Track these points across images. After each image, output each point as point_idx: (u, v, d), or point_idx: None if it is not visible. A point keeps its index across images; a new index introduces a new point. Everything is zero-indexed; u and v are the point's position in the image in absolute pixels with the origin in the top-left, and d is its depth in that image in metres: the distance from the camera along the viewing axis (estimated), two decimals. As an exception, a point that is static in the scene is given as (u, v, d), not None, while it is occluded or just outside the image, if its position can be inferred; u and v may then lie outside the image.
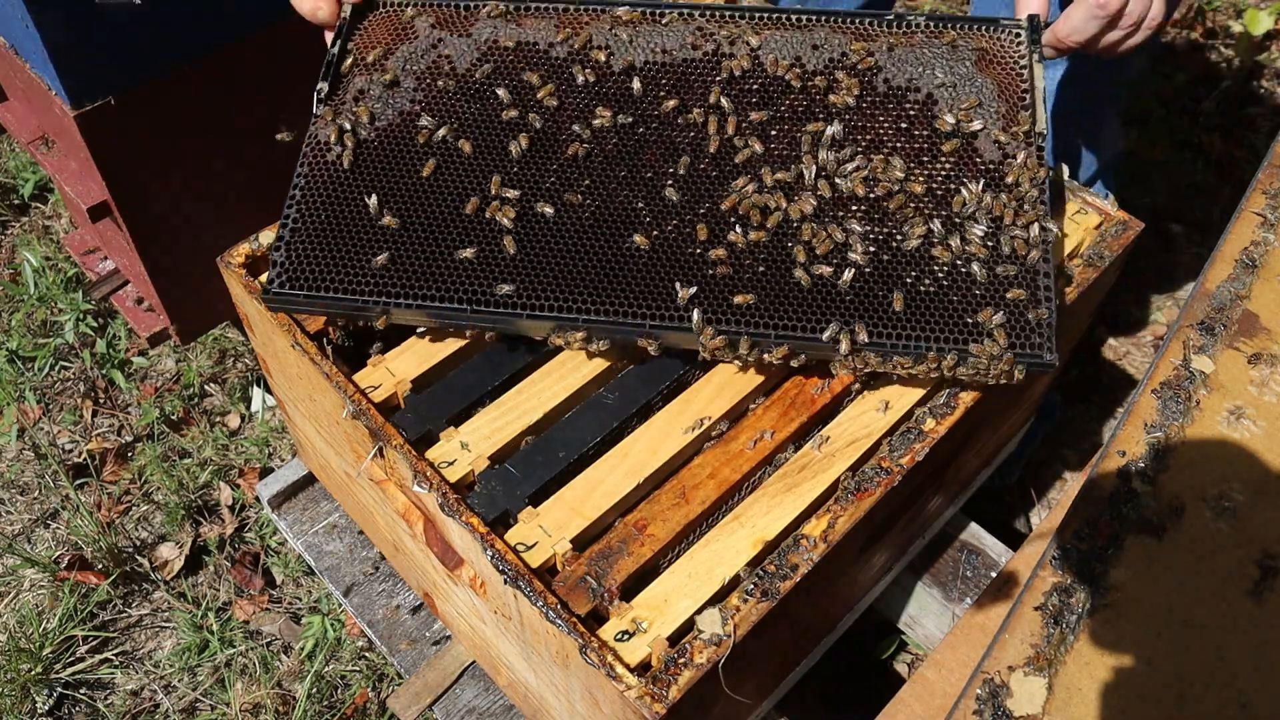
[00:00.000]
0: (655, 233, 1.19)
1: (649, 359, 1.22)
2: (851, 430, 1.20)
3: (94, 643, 2.15)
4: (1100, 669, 0.94)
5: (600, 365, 1.26)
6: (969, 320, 1.13)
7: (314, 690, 2.06)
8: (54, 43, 1.59)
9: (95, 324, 2.67)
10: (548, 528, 1.11)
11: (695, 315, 1.13)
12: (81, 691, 2.09)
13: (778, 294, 1.15)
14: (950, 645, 1.51)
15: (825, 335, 1.13)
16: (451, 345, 1.29)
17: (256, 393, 2.56)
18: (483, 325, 1.19)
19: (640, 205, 1.21)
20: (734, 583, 1.08)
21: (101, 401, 2.57)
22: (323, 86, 1.30)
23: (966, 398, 1.24)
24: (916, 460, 1.17)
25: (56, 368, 2.62)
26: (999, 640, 0.96)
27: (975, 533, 1.80)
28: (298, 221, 1.22)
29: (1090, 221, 1.42)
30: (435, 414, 1.22)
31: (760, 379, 1.25)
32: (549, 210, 1.20)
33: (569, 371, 1.26)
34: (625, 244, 1.18)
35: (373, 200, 1.20)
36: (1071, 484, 2.43)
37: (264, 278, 1.21)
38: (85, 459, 2.42)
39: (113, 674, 2.12)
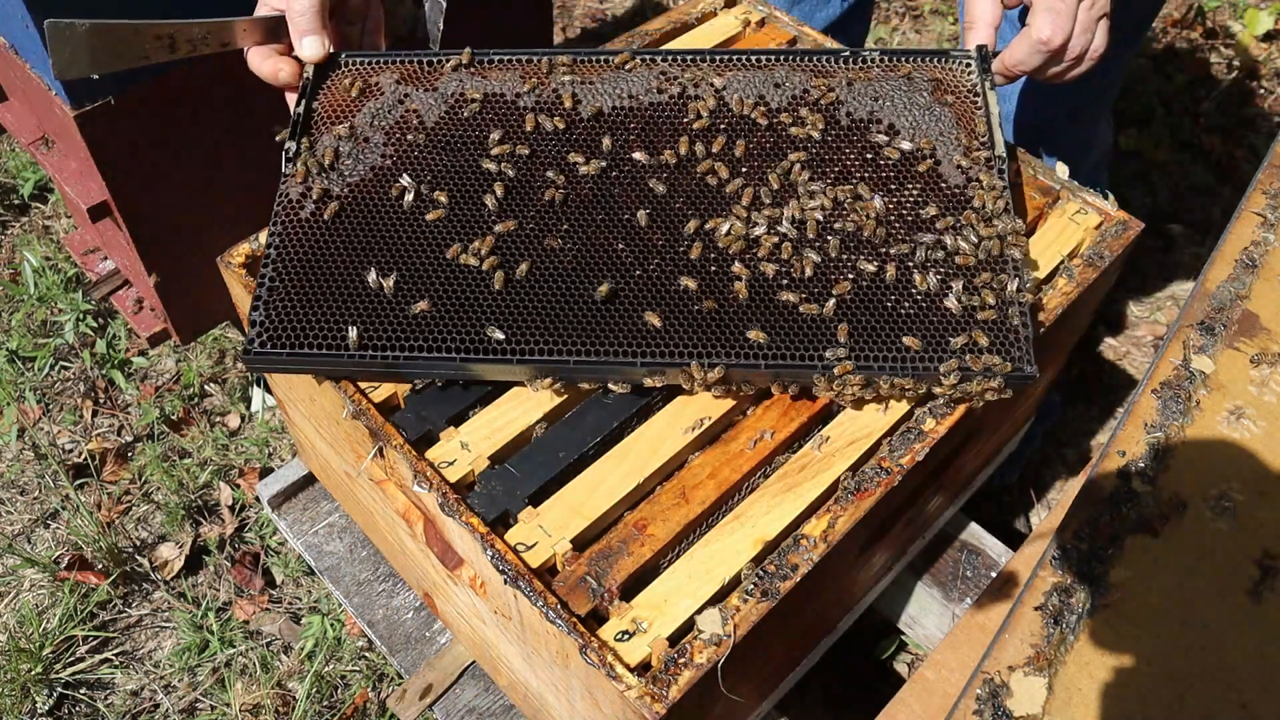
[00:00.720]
0: (638, 272, 1.20)
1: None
2: (851, 430, 1.20)
3: (94, 643, 2.15)
4: (1100, 669, 0.94)
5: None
6: (951, 339, 1.16)
7: (314, 690, 2.06)
8: (54, 43, 1.59)
9: (95, 324, 2.67)
10: (548, 528, 1.11)
11: (693, 366, 1.14)
12: (81, 691, 2.09)
13: (767, 326, 1.17)
14: (950, 645, 1.51)
15: (818, 361, 1.15)
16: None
17: (256, 393, 2.56)
18: (467, 377, 1.20)
19: (620, 246, 1.22)
20: (734, 583, 1.08)
21: (101, 401, 2.57)
22: (290, 145, 1.29)
23: (966, 398, 1.24)
24: (916, 460, 1.17)
25: (56, 368, 2.62)
26: (999, 640, 0.97)
27: (975, 533, 1.80)
28: (274, 280, 1.21)
29: (1090, 221, 1.42)
30: (435, 414, 1.22)
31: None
32: (527, 260, 1.21)
33: (569, 371, 1.26)
34: (608, 285, 1.19)
35: (372, 275, 1.20)
36: (1071, 484, 2.43)
37: (245, 338, 1.21)
38: (85, 459, 2.43)
39: (113, 674, 2.12)
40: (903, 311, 1.18)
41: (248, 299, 1.32)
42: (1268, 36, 3.52)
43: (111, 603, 2.21)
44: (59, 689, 2.08)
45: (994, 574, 1.74)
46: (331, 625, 2.15)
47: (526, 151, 1.29)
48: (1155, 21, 3.63)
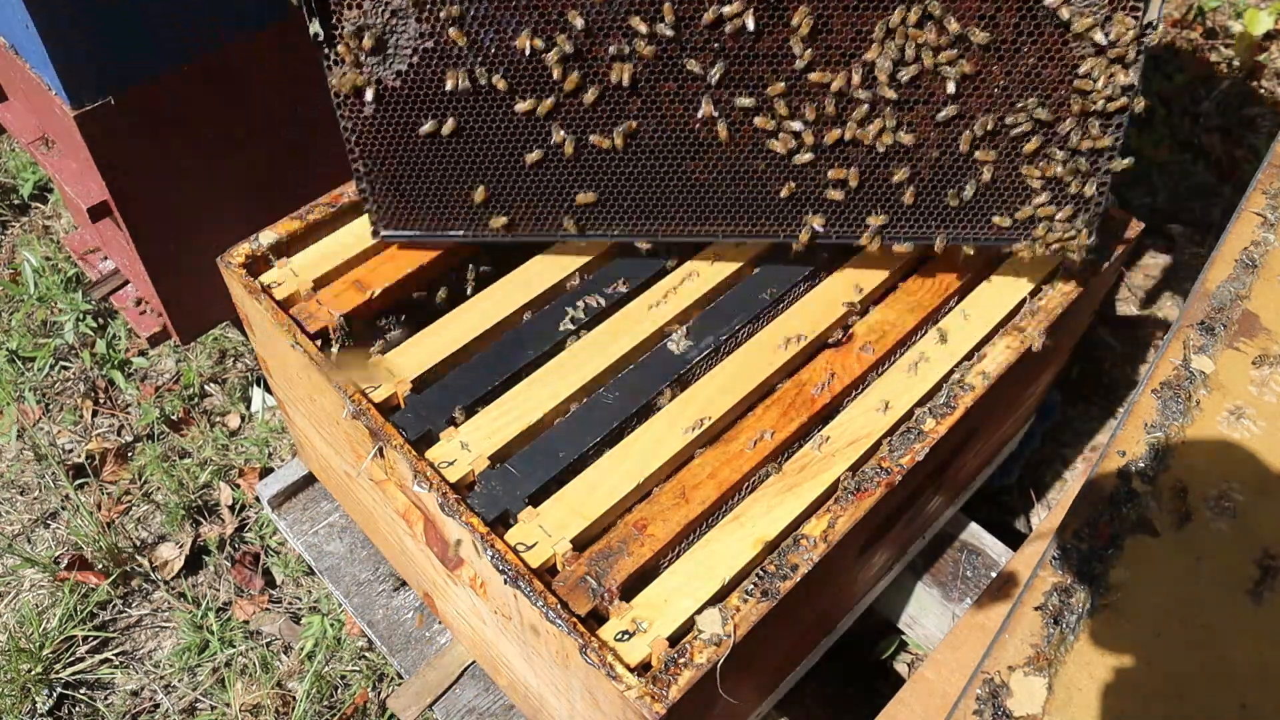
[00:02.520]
0: (719, 148, 1.19)
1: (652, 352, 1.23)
2: (851, 430, 1.20)
3: (94, 643, 2.15)
4: (1100, 669, 0.94)
5: (602, 365, 1.26)
6: (1026, 202, 1.18)
7: (314, 690, 2.06)
8: (54, 43, 1.59)
9: (95, 324, 2.67)
10: (548, 528, 1.11)
11: (814, 223, 1.19)
12: (81, 691, 2.09)
13: (870, 189, 1.19)
14: (950, 645, 1.51)
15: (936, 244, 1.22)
16: (452, 344, 1.29)
17: (256, 393, 2.56)
18: (566, 238, 1.27)
19: (697, 121, 1.19)
20: (734, 583, 1.08)
21: (101, 401, 2.57)
22: (317, 31, 1.19)
23: (967, 398, 1.24)
24: (916, 460, 1.17)
25: (56, 368, 2.62)
26: (999, 640, 0.96)
27: (975, 533, 1.80)
28: (370, 170, 1.25)
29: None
30: (435, 414, 1.22)
31: (763, 378, 1.25)
32: (605, 139, 1.21)
33: (569, 371, 1.26)
34: (692, 161, 1.20)
35: (479, 191, 1.25)
36: (1071, 484, 2.43)
37: (370, 218, 1.31)
38: (85, 459, 2.42)
39: (113, 674, 2.12)
40: (980, 173, 1.18)
41: (248, 299, 1.32)
42: (1268, 36, 3.52)
43: (111, 603, 2.21)
44: (59, 689, 2.08)
45: (994, 574, 1.74)
46: (331, 625, 2.15)
47: (581, 23, 1.18)
48: (1155, 21, 3.62)
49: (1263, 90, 3.44)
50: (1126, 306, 2.87)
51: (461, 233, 1.27)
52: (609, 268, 1.39)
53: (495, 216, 1.26)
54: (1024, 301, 1.36)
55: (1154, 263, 2.96)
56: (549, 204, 1.26)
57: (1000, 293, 1.37)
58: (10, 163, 3.05)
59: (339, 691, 2.08)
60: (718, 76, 1.17)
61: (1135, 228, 1.41)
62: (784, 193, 1.20)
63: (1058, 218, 1.19)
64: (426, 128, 1.21)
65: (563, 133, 1.20)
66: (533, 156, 1.22)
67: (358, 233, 1.40)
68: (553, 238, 1.29)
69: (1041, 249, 1.21)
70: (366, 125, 1.23)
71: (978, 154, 1.17)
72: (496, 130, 1.22)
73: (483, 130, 1.22)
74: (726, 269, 1.38)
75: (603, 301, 1.35)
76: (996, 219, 1.19)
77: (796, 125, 1.18)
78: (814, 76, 1.16)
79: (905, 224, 1.22)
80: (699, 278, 1.36)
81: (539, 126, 1.21)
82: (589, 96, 1.18)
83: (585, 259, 1.38)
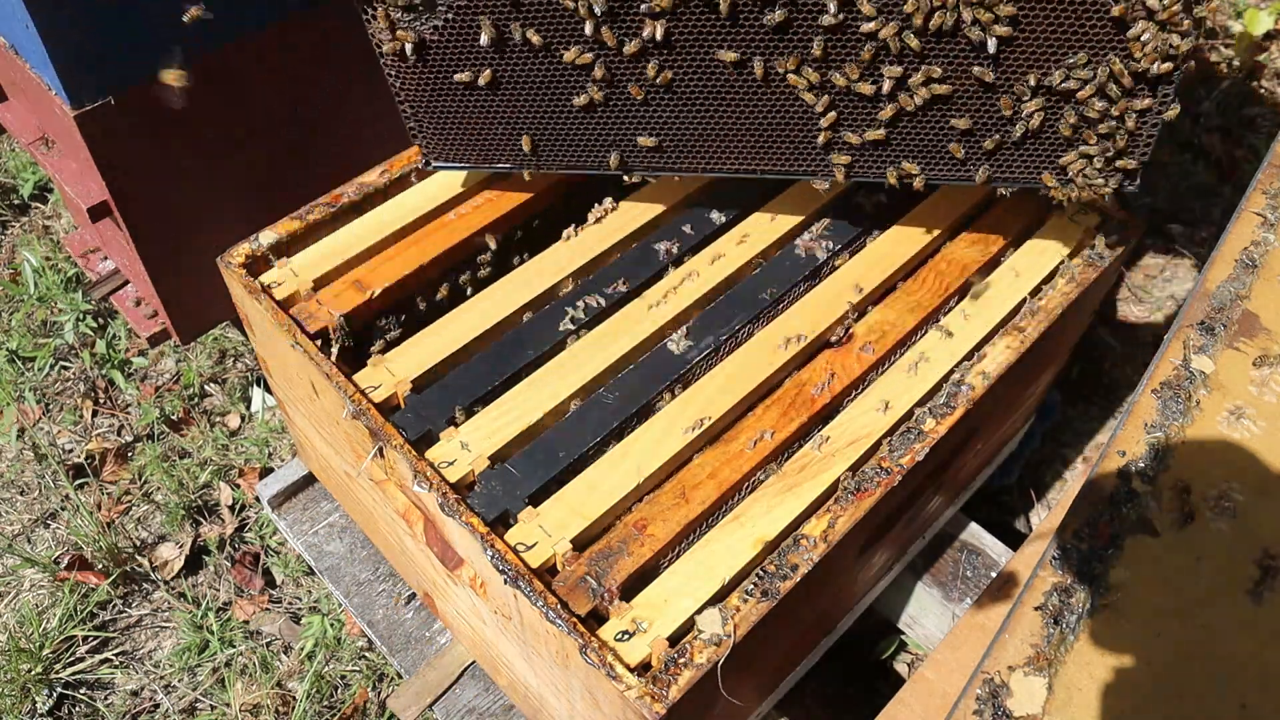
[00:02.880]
0: (760, 91, 1.21)
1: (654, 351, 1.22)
2: (851, 430, 1.20)
3: (94, 643, 2.15)
4: (1100, 669, 0.94)
5: (602, 365, 1.26)
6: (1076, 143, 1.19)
7: (314, 690, 2.06)
8: (54, 43, 1.59)
9: (95, 324, 2.67)
10: (548, 528, 1.11)
11: (840, 160, 1.22)
12: (81, 691, 2.09)
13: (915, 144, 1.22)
14: (950, 645, 1.51)
15: (977, 178, 1.24)
16: (452, 344, 1.29)
17: (256, 393, 2.56)
18: (606, 172, 1.34)
19: (733, 71, 1.21)
20: (734, 583, 1.08)
21: (101, 401, 2.57)
22: None
23: (967, 398, 1.24)
24: (916, 460, 1.17)
25: (56, 368, 2.62)
26: (999, 640, 0.96)
27: (975, 533, 1.80)
28: (415, 112, 1.30)
29: (1090, 221, 1.42)
30: (435, 414, 1.22)
31: (763, 378, 1.25)
32: (640, 89, 1.25)
33: (569, 371, 1.26)
34: (729, 106, 1.23)
35: (524, 138, 1.31)
36: (1071, 484, 2.43)
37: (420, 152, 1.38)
38: (85, 459, 2.42)
39: (113, 674, 2.12)
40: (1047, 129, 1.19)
41: (248, 299, 1.32)
42: (1268, 36, 3.52)
43: (111, 603, 2.21)
44: (59, 689, 2.08)
45: (994, 574, 1.74)
46: (331, 625, 2.15)
47: None
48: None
49: (1263, 90, 3.44)
50: (1126, 306, 2.87)
51: (508, 165, 1.35)
52: (609, 268, 1.40)
53: (539, 155, 1.34)
54: (1024, 301, 1.36)
55: (1154, 263, 2.96)
56: (591, 144, 1.33)
57: (1000, 293, 1.37)
58: (10, 163, 3.05)
59: (339, 691, 2.08)
60: (775, 21, 1.16)
61: (1135, 227, 1.41)
62: (820, 140, 1.24)
63: (1098, 162, 1.21)
64: (463, 77, 1.27)
65: (601, 75, 1.25)
66: (579, 101, 1.27)
67: (358, 233, 1.40)
68: (595, 172, 1.36)
69: (1075, 192, 1.24)
70: (409, 74, 1.28)
71: (1024, 105, 1.19)
72: (534, 78, 1.27)
73: (521, 79, 1.27)
74: (726, 269, 1.38)
75: (603, 301, 1.35)
76: (1037, 163, 1.22)
77: (814, 76, 1.20)
78: (865, 27, 1.15)
79: (944, 165, 1.25)
80: (699, 278, 1.36)
81: (576, 75, 1.26)
82: (629, 49, 1.22)
83: (583, 260, 1.39)
